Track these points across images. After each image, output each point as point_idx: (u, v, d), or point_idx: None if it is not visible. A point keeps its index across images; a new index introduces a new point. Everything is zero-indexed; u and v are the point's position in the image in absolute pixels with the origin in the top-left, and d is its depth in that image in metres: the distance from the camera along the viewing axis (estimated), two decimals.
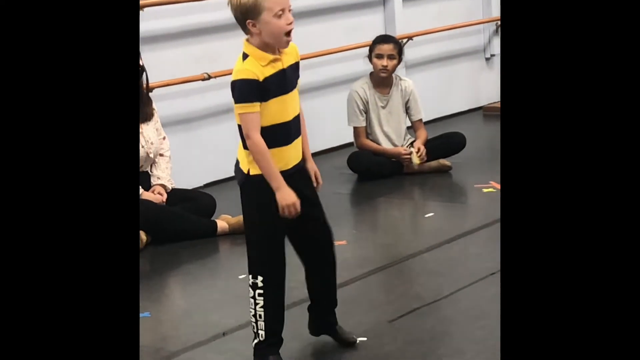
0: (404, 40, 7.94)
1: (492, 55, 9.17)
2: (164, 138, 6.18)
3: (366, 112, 7.04)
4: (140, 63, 5.75)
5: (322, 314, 4.18)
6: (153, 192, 6.00)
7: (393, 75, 7.05)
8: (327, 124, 7.65)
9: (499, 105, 8.92)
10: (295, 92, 3.89)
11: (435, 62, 8.76)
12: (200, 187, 6.92)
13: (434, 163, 6.96)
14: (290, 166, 3.89)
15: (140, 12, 6.25)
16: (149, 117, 6.03)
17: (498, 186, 6.46)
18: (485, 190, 6.45)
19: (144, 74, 5.91)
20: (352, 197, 6.60)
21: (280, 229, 3.90)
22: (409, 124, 7.19)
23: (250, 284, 3.92)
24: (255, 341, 3.97)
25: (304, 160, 3.98)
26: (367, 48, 7.13)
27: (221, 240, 5.82)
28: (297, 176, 3.93)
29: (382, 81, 7.04)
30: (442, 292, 4.71)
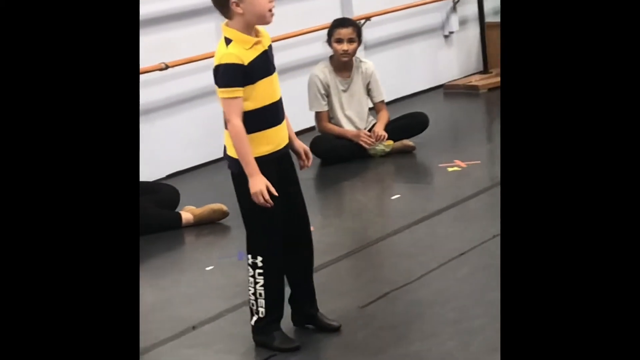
0: (362, 22, 7.88)
1: (451, 33, 9.12)
2: None
3: (327, 96, 6.98)
4: None
5: (302, 304, 4.16)
6: None
7: (353, 58, 7.00)
8: (287, 109, 7.55)
9: (459, 82, 8.91)
10: (276, 73, 3.94)
11: (394, 42, 8.70)
12: (163, 179, 6.84)
13: (397, 144, 6.91)
14: (281, 147, 3.98)
15: None
16: None
17: (463, 164, 6.44)
18: (450, 169, 6.42)
19: None
20: (316, 182, 6.55)
21: (277, 210, 3.92)
22: (371, 106, 7.15)
23: (250, 263, 3.98)
24: (255, 318, 4.02)
25: (290, 142, 4.06)
26: (325, 31, 7.06)
27: (187, 232, 5.74)
28: (286, 158, 4.03)
29: (343, 65, 6.98)
30: (413, 275, 4.68)
